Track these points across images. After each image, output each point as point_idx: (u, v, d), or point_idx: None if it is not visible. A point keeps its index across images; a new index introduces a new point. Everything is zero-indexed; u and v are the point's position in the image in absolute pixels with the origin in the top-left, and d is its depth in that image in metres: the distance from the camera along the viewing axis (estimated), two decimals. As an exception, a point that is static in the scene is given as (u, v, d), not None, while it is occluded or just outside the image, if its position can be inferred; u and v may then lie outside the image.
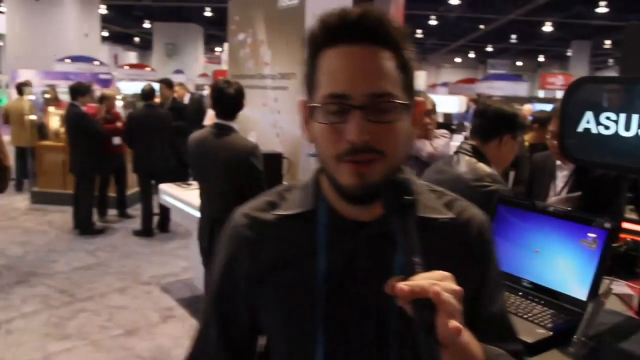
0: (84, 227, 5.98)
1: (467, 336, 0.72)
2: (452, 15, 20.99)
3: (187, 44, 25.32)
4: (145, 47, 33.77)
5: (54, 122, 7.47)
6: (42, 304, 4.07)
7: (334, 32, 0.77)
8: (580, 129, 1.46)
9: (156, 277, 4.76)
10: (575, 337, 1.22)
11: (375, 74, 0.75)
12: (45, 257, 5.19)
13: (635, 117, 1.34)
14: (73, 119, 5.72)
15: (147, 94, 5.98)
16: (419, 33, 27.08)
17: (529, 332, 1.29)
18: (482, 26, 23.21)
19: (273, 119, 4.09)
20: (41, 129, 7.78)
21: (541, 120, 4.40)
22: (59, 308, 4.01)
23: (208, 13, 23.90)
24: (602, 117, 1.41)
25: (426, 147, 3.07)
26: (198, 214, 3.44)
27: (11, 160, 5.41)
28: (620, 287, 1.68)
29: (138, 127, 5.71)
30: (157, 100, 6.65)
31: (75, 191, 6.13)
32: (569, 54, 27.06)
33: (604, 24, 18.11)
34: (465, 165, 1.94)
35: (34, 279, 4.58)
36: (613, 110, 1.38)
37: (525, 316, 1.38)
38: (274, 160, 3.71)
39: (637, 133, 1.35)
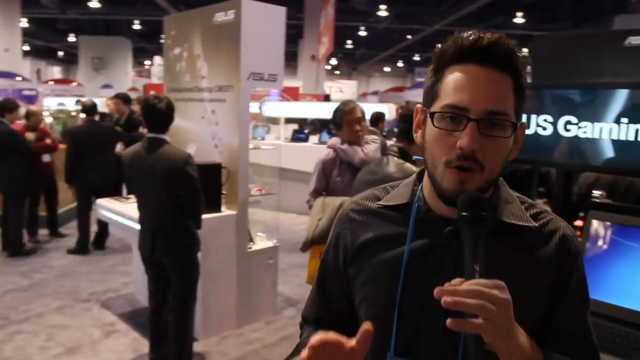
0: (15, 248, 5.76)
1: (522, 340, 0.81)
2: (380, 27, 21.71)
3: (115, 57, 24.61)
4: (70, 61, 32.54)
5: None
6: (-24, 328, 3.92)
7: (466, 52, 0.86)
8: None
9: (95, 294, 4.68)
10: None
11: (495, 95, 0.85)
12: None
13: (537, 117, 1.57)
14: (1, 136, 5.52)
15: (90, 109, 5.91)
16: (349, 44, 27.79)
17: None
18: (409, 36, 24.15)
19: (212, 130, 4.16)
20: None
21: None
22: (-5, 331, 3.89)
23: (137, 26, 23.40)
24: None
25: (358, 153, 3.25)
26: (138, 227, 3.46)
27: None
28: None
29: (82, 143, 5.63)
30: (114, 115, 6.88)
31: (3, 211, 5.90)
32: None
33: (522, 34, 19.32)
34: (394, 165, 2.13)
35: (-35, 303, 4.39)
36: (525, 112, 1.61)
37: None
38: (214, 170, 3.80)
39: (535, 131, 1.57)
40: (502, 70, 0.85)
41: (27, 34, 18.93)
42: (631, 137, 1.37)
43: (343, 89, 26.82)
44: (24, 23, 17.53)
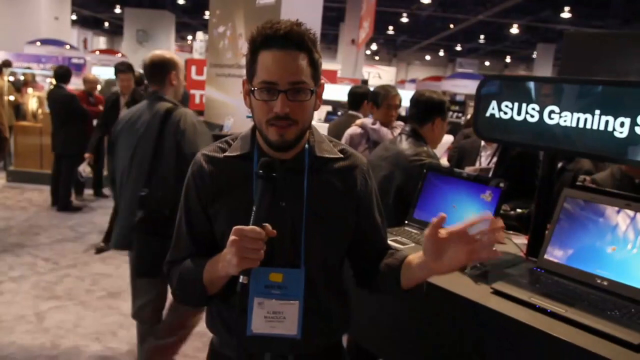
0: (63, 204, 6.27)
1: None
2: (423, 14, 21.52)
3: (158, 31, 25.06)
4: (115, 32, 33.32)
5: (32, 103, 7.67)
6: (29, 270, 4.39)
7: (270, 39, 1.16)
8: (487, 114, 1.93)
9: (135, 250, 5.11)
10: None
11: (294, 70, 1.16)
12: (28, 230, 5.48)
13: (523, 105, 1.82)
14: (62, 101, 6.00)
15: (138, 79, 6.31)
16: (390, 30, 27.63)
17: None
18: (452, 26, 23.86)
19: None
20: (18, 110, 7.96)
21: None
22: (45, 274, 4.35)
23: (181, 1, 23.76)
24: (502, 105, 1.89)
25: (388, 135, 3.55)
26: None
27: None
28: (521, 239, 2.17)
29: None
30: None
31: (53, 170, 6.40)
32: (534, 56, 27.94)
33: (568, 29, 18.98)
34: (406, 143, 2.42)
35: (19, 249, 4.88)
36: (509, 99, 1.87)
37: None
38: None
39: (524, 118, 1.83)
40: (297, 50, 1.16)
41: (75, 4, 19.53)
42: (602, 127, 1.63)
43: (381, 75, 26.77)
44: (73, -7, 18.11)
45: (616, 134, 1.61)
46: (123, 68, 5.36)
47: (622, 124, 1.60)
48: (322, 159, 1.29)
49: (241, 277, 1.11)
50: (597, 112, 1.65)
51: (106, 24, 31.93)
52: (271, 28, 1.16)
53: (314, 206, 1.25)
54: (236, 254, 1.09)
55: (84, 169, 5.28)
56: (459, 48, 31.93)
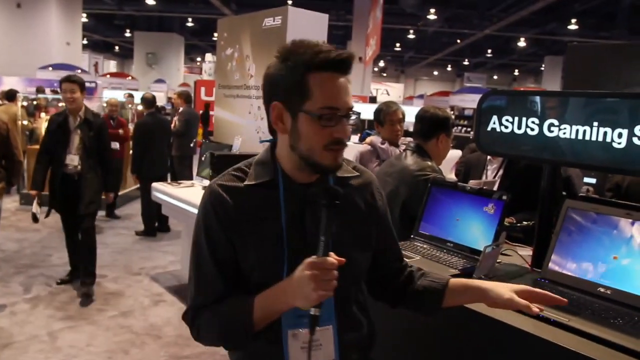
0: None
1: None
2: (429, 30, 21.68)
3: (167, 53, 25.50)
4: (125, 55, 33.93)
5: (45, 127, 7.80)
6: (42, 291, 4.45)
7: (330, 62, 1.12)
8: (489, 128, 1.97)
9: (145, 269, 5.17)
10: (474, 274, 1.71)
11: (349, 95, 1.17)
12: (41, 252, 5.55)
13: (523, 119, 1.86)
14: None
15: (151, 101, 6.46)
16: (397, 46, 27.84)
17: (445, 271, 1.78)
18: (458, 41, 24.01)
19: (257, 124, 4.57)
20: (32, 134, 8.12)
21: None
22: (58, 294, 4.40)
23: (190, 24, 24.14)
24: (503, 120, 1.92)
25: (395, 152, 3.58)
26: (189, 208, 3.90)
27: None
28: (526, 251, 2.19)
29: (148, 135, 6.15)
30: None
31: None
32: (542, 68, 27.96)
33: (575, 41, 19.04)
34: (411, 159, 2.45)
35: (32, 270, 4.95)
36: (510, 114, 1.90)
37: (445, 263, 1.88)
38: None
39: (525, 131, 1.86)
40: (347, 75, 1.17)
41: (86, 29, 19.96)
42: (594, 138, 1.67)
43: (389, 91, 26.93)
44: (83, 18, 18.51)
45: (614, 145, 1.63)
46: (73, 79, 4.26)
47: (619, 135, 1.62)
48: (342, 178, 1.29)
49: (313, 309, 1.07)
50: (595, 124, 1.68)
51: (116, 47, 32.52)
52: (328, 51, 1.13)
53: (342, 226, 1.22)
54: (317, 288, 1.04)
55: (36, 210, 4.43)
56: (466, 62, 32.05)
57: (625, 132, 1.61)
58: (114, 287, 4.64)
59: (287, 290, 1.10)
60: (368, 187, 1.34)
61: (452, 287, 1.34)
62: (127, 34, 26.64)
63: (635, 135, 1.59)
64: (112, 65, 34.08)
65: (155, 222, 6.45)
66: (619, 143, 1.63)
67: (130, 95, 11.99)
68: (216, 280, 1.21)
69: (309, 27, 4.30)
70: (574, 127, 1.73)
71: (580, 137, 1.72)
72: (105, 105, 7.17)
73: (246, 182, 1.22)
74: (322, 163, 1.16)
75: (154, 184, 4.89)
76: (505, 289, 1.25)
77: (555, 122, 1.78)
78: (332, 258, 1.07)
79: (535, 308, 1.21)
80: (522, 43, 23.22)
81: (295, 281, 1.08)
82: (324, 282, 1.04)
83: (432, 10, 18.36)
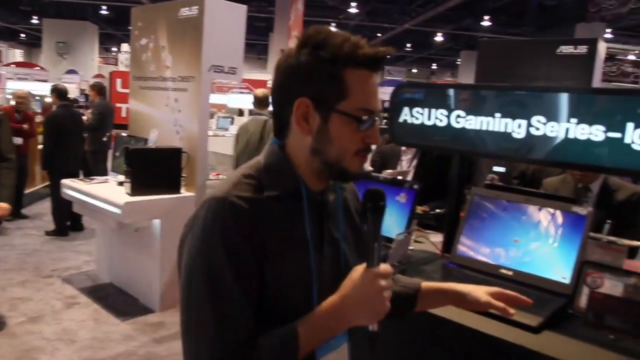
0: (-23, 227, 5.87)
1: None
2: (351, 23, 22.01)
3: (81, 43, 24.13)
4: (32, 44, 31.81)
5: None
6: (-62, 299, 4.09)
7: (368, 59, 0.98)
8: (401, 119, 2.03)
9: (58, 271, 4.88)
10: (387, 261, 1.76)
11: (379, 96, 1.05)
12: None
13: (432, 111, 1.93)
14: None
15: (63, 93, 6.09)
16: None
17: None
18: (379, 34, 24.55)
19: (174, 117, 4.42)
20: None
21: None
22: (-43, 302, 4.07)
23: (104, 11, 23.05)
24: (414, 111, 1.99)
25: None
26: (103, 205, 3.73)
27: None
28: (438, 237, 2.28)
29: (60, 129, 5.80)
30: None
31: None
32: (458, 62, 29.20)
33: (488, 36, 19.99)
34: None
35: None
36: (420, 106, 1.97)
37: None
38: (175, 155, 4.07)
39: (434, 123, 1.93)
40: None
41: (-12, 15, 18.53)
42: (496, 129, 1.76)
43: (313, 84, 27.01)
44: (-14, 3, 17.16)
45: (514, 135, 1.73)
46: None
47: (519, 126, 1.72)
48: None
49: (371, 326, 0.96)
50: (498, 115, 1.77)
51: (22, 35, 30.43)
52: (365, 46, 0.99)
53: (348, 231, 1.14)
54: (386, 299, 0.94)
55: None
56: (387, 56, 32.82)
57: (524, 122, 1.71)
58: (21, 292, 4.35)
59: (346, 310, 0.95)
60: (354, 191, 1.25)
61: (424, 291, 1.28)
62: (35, 21, 24.96)
63: (532, 126, 1.69)
64: (17, 54, 31.80)
65: (67, 221, 6.11)
66: (519, 133, 1.73)
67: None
68: (245, 314, 0.96)
69: (228, 17, 4.21)
70: (479, 119, 1.82)
71: (484, 127, 1.81)
72: (10, 97, 6.65)
73: (267, 193, 1.01)
74: (350, 170, 1.02)
75: (64, 181, 4.62)
76: (481, 292, 1.22)
77: (462, 114, 1.86)
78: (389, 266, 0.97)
79: (511, 310, 1.18)
80: (439, 38, 24.09)
81: (358, 296, 0.94)
82: (390, 293, 0.95)
83: (354, 4, 18.64)
